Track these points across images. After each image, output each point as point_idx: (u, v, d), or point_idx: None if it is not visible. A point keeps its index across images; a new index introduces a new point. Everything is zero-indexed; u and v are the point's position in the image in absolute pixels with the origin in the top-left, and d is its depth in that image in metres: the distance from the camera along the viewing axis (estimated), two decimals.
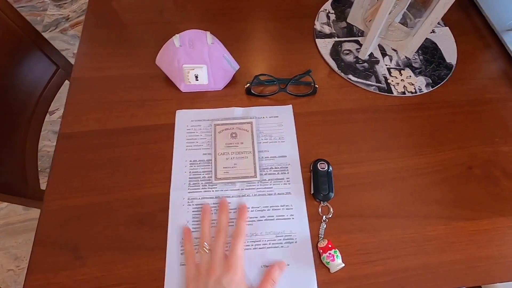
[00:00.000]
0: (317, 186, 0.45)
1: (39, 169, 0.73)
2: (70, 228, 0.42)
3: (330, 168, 0.47)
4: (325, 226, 0.43)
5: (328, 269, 0.41)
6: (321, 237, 0.43)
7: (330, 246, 0.41)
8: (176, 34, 0.47)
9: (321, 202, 0.45)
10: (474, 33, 0.64)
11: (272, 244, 0.43)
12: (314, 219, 0.44)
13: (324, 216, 0.44)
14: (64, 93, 0.53)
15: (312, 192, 0.45)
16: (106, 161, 0.47)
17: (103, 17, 0.62)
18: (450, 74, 0.58)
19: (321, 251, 0.41)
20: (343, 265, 0.40)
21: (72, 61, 0.57)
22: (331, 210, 0.45)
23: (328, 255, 0.40)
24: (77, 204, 0.44)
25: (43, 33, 1.63)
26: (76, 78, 0.54)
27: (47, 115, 0.80)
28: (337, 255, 0.40)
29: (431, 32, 0.62)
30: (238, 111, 0.53)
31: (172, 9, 0.64)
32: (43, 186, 0.54)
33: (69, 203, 0.44)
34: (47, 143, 1.30)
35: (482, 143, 0.51)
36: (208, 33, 0.47)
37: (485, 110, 0.55)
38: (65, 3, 1.74)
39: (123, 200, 0.44)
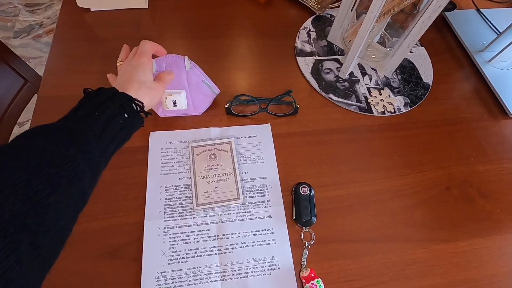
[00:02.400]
0: (299, 211, 0.44)
1: None
2: None
3: (312, 191, 0.46)
4: (307, 253, 0.42)
5: None
6: (303, 265, 0.42)
7: (312, 275, 0.40)
8: (152, 59, 0.45)
9: (303, 228, 0.44)
10: (449, 53, 0.66)
11: (255, 272, 0.41)
12: (296, 245, 0.43)
13: (306, 243, 0.43)
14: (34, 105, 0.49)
15: (294, 217, 0.44)
16: None
17: (75, 31, 0.59)
18: (427, 93, 0.59)
19: (303, 281, 0.40)
20: None
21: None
22: (314, 237, 0.43)
23: (310, 285, 0.39)
24: None
25: (13, 39, 1.55)
26: (43, 97, 0.51)
27: (16, 126, 0.75)
28: (320, 285, 0.39)
29: (408, 52, 0.63)
30: (215, 131, 0.51)
31: (149, 23, 0.62)
32: None
33: None
34: None
35: (459, 163, 0.52)
36: (186, 57, 0.45)
37: (460, 130, 0.56)
38: (39, 9, 1.67)
39: (92, 231, 0.41)
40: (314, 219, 0.44)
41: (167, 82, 0.42)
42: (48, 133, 0.28)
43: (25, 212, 0.23)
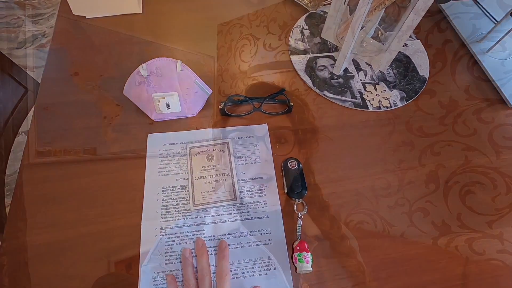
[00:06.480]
0: (290, 185, 0.45)
1: (7, 193, 0.69)
2: (31, 269, 0.39)
3: (301, 165, 0.47)
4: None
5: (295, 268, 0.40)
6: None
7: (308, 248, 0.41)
8: (142, 64, 0.45)
9: (299, 220, 0.44)
10: (446, 45, 0.65)
11: (250, 272, 0.41)
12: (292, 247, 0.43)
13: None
14: None
15: (286, 190, 0.46)
16: (72, 193, 0.44)
17: (71, 38, 0.60)
18: (424, 87, 0.59)
19: (298, 247, 0.41)
20: (311, 270, 0.40)
21: None
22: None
23: (305, 254, 0.40)
24: (38, 241, 0.41)
25: (18, 50, 1.59)
26: (41, 104, 0.52)
27: (22, 135, 0.77)
28: (311, 260, 0.41)
29: (403, 46, 0.63)
30: (212, 132, 0.51)
31: (144, 28, 0.63)
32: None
33: (30, 241, 0.41)
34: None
35: (455, 156, 0.52)
36: (179, 62, 0.46)
37: (458, 123, 0.55)
38: (41, 19, 1.70)
39: (90, 235, 0.42)
40: (304, 192, 0.45)
41: None
42: None
43: None
